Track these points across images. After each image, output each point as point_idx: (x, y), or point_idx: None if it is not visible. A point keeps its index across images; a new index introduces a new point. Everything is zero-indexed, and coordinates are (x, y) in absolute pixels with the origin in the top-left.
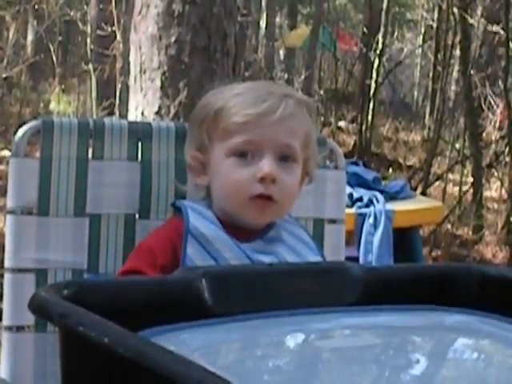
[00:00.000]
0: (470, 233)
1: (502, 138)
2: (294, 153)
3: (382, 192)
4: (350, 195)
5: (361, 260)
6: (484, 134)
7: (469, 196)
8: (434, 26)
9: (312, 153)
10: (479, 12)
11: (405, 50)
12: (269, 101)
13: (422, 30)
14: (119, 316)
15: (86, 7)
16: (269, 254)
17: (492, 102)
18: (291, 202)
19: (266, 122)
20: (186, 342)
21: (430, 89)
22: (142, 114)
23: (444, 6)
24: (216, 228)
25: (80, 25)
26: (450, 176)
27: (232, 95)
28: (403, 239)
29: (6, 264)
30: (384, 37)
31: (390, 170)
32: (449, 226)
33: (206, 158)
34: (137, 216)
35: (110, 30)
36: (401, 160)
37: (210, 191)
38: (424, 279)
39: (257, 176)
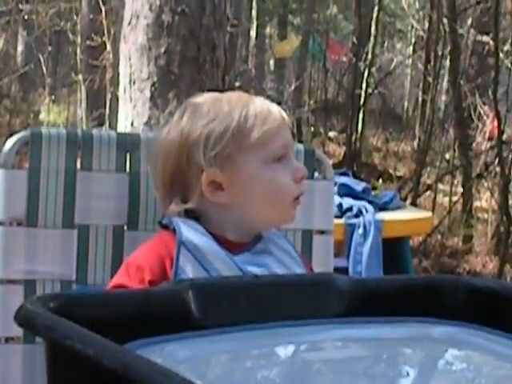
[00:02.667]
0: (460, 243)
1: (492, 148)
2: None
3: (371, 202)
4: (340, 205)
5: (350, 270)
6: (474, 145)
7: (459, 206)
8: (424, 36)
9: None
10: (469, 22)
11: (395, 60)
12: (267, 102)
13: (412, 41)
14: (106, 328)
15: (76, 18)
16: (259, 265)
17: (482, 113)
18: None
19: (285, 125)
20: (173, 354)
21: (420, 99)
22: (132, 124)
23: (434, 17)
24: (208, 240)
25: (70, 35)
26: (440, 186)
27: (242, 105)
28: (393, 250)
29: None
30: (374, 47)
31: (380, 180)
32: (439, 237)
33: (228, 174)
34: (125, 227)
35: (100, 40)
36: (391, 170)
37: (206, 209)
38: (411, 291)
39: (297, 177)
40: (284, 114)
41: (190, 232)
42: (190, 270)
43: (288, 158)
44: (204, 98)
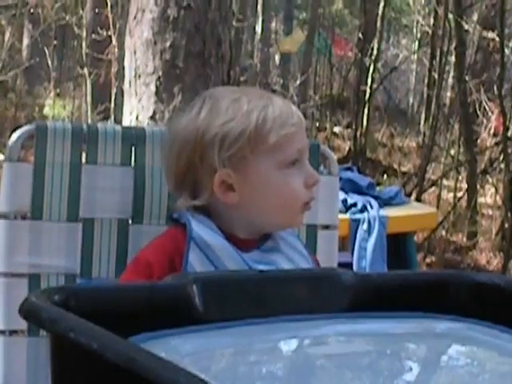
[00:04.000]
0: (465, 239)
1: (497, 144)
2: None
3: (376, 198)
4: (344, 201)
5: (354, 266)
6: (479, 141)
7: (463, 202)
8: (430, 32)
9: None
10: (474, 18)
11: (400, 55)
12: (290, 106)
13: (418, 36)
14: (110, 322)
15: (81, 11)
16: (268, 263)
17: (487, 109)
18: None
19: (298, 127)
20: (177, 348)
21: (425, 95)
22: (137, 118)
23: (439, 12)
24: (218, 236)
25: (75, 29)
26: (445, 182)
27: (261, 107)
28: (397, 245)
29: None
30: (379, 42)
31: (385, 175)
32: (443, 233)
33: (240, 175)
34: (130, 221)
35: (105, 34)
36: (395, 166)
37: (215, 206)
38: (415, 286)
39: (309, 183)
40: (302, 117)
41: (200, 228)
42: (199, 267)
43: (302, 163)
44: (224, 93)
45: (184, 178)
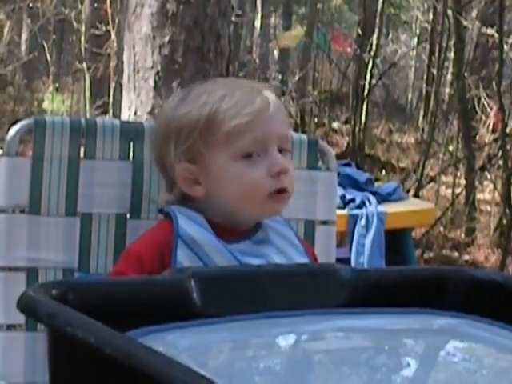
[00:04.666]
0: (463, 235)
1: (495, 140)
2: (289, 143)
3: (374, 194)
4: (343, 196)
5: (352, 261)
6: (477, 137)
7: (462, 198)
8: (429, 28)
9: None
10: (474, 14)
11: (399, 51)
12: (258, 97)
13: (417, 32)
14: (108, 316)
15: (80, 6)
16: (258, 256)
17: (486, 105)
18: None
19: (265, 117)
20: (175, 343)
21: (423, 91)
22: (135, 113)
23: (439, 8)
24: (205, 232)
25: (74, 23)
26: (443, 178)
27: (217, 98)
28: (395, 241)
29: None
30: (378, 38)
31: (383, 171)
32: (441, 229)
33: (201, 168)
34: (128, 216)
35: (104, 28)
36: (394, 162)
37: (198, 199)
38: (413, 282)
39: (272, 171)
40: (272, 106)
41: (187, 224)
42: (187, 263)
43: (262, 153)
44: (205, 85)
45: (161, 171)
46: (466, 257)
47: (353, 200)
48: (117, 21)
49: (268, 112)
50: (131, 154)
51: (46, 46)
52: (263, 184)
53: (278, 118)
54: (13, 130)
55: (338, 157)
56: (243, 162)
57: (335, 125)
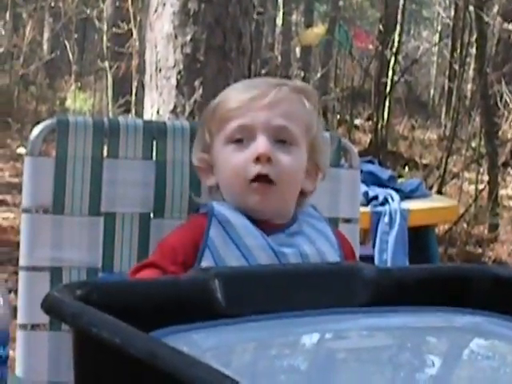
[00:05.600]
0: (486, 231)
1: None
2: (290, 135)
3: (397, 191)
4: (366, 194)
5: (376, 258)
6: (500, 133)
7: (484, 194)
8: (450, 24)
9: (318, 143)
10: (495, 10)
11: (421, 48)
12: (261, 87)
13: (439, 28)
14: (132, 316)
15: (102, 5)
16: (289, 246)
17: (508, 101)
18: (293, 186)
19: (257, 105)
20: (198, 343)
21: (446, 87)
22: (158, 112)
23: (460, 4)
24: (240, 216)
25: (96, 22)
26: (466, 174)
27: (229, 89)
28: (418, 238)
29: (21, 262)
30: (400, 35)
31: (406, 168)
32: (464, 225)
33: (211, 157)
34: (151, 215)
35: (126, 27)
36: (417, 158)
37: (215, 189)
38: (437, 280)
39: (253, 157)
40: (272, 96)
41: (222, 208)
42: (219, 242)
43: (251, 140)
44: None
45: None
46: (490, 253)
47: (376, 197)
48: (138, 19)
49: (262, 101)
50: (154, 153)
51: (68, 45)
52: (243, 169)
53: (278, 109)
54: (36, 130)
55: (361, 154)
56: (232, 147)
57: (357, 122)
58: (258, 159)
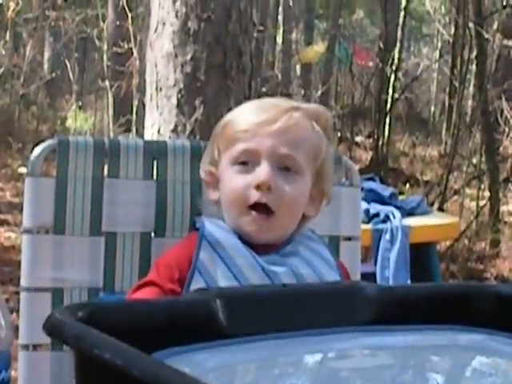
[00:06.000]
0: (487, 248)
1: None
2: (295, 164)
3: (398, 208)
4: (367, 211)
5: (378, 276)
6: (501, 149)
7: (486, 211)
8: (450, 40)
9: (326, 170)
10: (495, 27)
11: (421, 64)
12: (272, 111)
13: (439, 45)
14: (134, 338)
15: (102, 24)
16: (283, 265)
17: (508, 117)
18: (293, 215)
19: (265, 131)
20: (201, 363)
21: (446, 104)
22: (159, 131)
23: (460, 21)
24: (231, 236)
25: (96, 42)
26: (467, 191)
27: (241, 108)
28: (420, 255)
29: (22, 283)
30: (400, 52)
31: (407, 185)
32: (466, 241)
33: (218, 172)
34: (152, 234)
35: (126, 46)
36: (418, 175)
37: (217, 205)
38: (439, 299)
39: (253, 183)
40: (282, 124)
41: (214, 228)
42: (209, 264)
43: (256, 165)
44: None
45: None
46: (491, 269)
47: (377, 214)
48: (139, 39)
49: (270, 127)
50: (155, 173)
51: (68, 64)
52: (243, 193)
53: (285, 136)
54: (37, 151)
55: (362, 171)
56: (237, 169)
57: (358, 139)
58: (258, 187)
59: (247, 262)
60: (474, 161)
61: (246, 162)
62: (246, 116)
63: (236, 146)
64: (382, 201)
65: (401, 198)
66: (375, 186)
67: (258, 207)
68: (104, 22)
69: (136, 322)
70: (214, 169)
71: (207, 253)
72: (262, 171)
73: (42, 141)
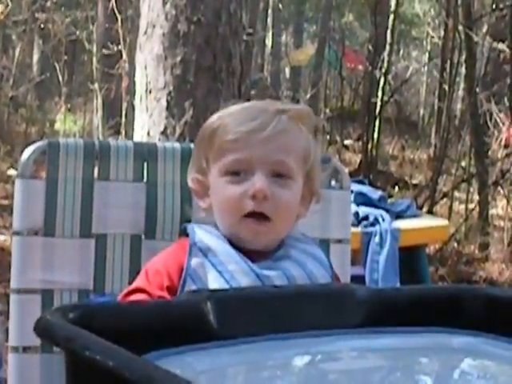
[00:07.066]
0: (477, 251)
1: (508, 155)
2: (288, 170)
3: (387, 211)
4: (356, 214)
5: (367, 279)
6: (490, 152)
7: (475, 214)
8: (440, 43)
9: (315, 170)
10: (484, 30)
11: (410, 68)
12: (260, 118)
13: (428, 48)
14: (125, 339)
15: (91, 26)
16: (275, 269)
17: (498, 120)
18: (288, 220)
19: (255, 139)
20: (192, 365)
21: (435, 107)
22: (148, 133)
23: (449, 24)
24: (222, 242)
25: (86, 44)
26: (456, 194)
27: (227, 114)
28: (409, 258)
29: (12, 285)
30: (389, 55)
31: (396, 188)
32: (455, 244)
33: (206, 180)
34: (142, 236)
35: (115, 49)
36: (407, 178)
37: (208, 212)
38: (429, 301)
39: (249, 193)
40: (271, 129)
41: (204, 234)
42: (200, 270)
43: (249, 173)
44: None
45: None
46: (480, 272)
47: (366, 217)
48: (128, 41)
49: (260, 135)
50: (145, 175)
51: (57, 66)
52: (238, 203)
53: (276, 142)
54: (26, 153)
55: (351, 174)
56: (229, 179)
57: (348, 142)
58: (254, 196)
59: (239, 267)
60: (463, 164)
61: (238, 172)
62: (233, 124)
63: (227, 157)
64: (371, 204)
65: (390, 200)
66: (364, 188)
67: (254, 215)
68: (93, 24)
69: (127, 324)
70: (202, 177)
71: (198, 259)
72: (257, 180)
73: (32, 143)
